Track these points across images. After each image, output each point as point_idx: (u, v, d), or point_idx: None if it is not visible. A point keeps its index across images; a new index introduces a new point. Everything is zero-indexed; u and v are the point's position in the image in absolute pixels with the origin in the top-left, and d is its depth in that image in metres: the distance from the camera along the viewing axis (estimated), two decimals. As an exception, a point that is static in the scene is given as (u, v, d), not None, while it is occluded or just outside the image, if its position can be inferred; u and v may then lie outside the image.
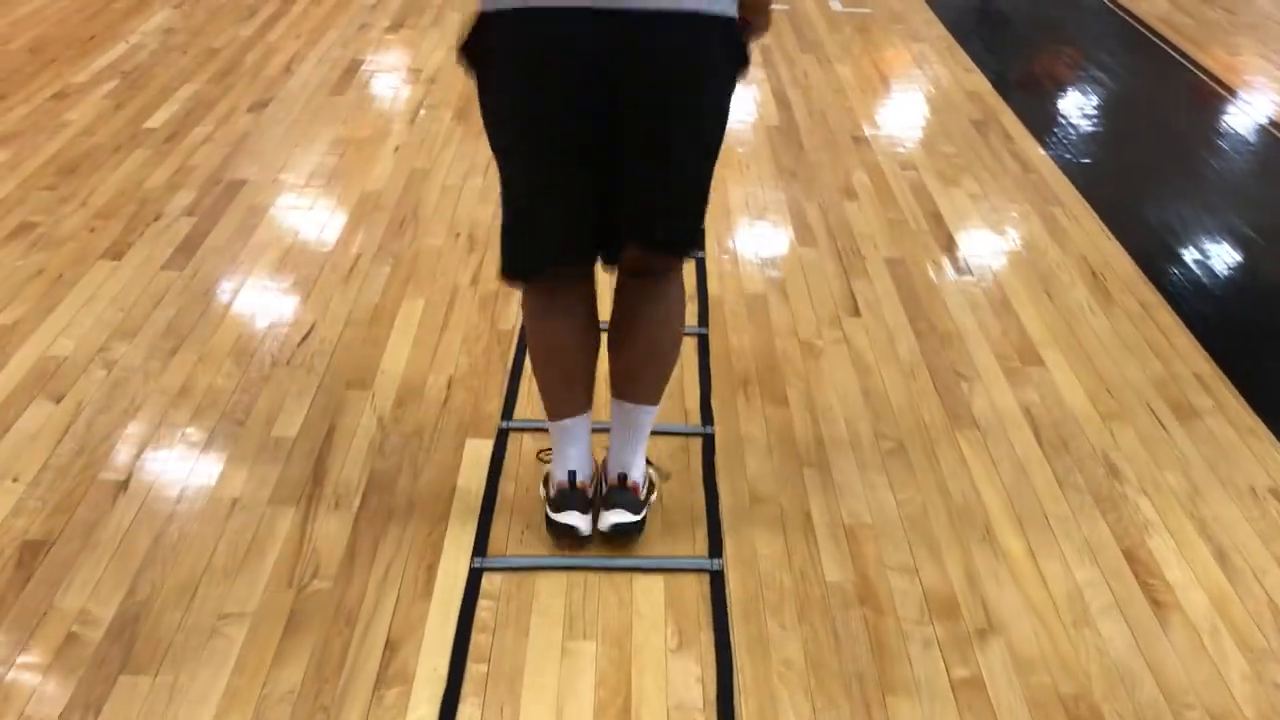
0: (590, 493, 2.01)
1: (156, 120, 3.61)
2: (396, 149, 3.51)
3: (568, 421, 1.99)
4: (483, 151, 3.43)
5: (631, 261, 1.88)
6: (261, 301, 2.67)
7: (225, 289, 2.72)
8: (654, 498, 2.12)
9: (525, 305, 1.95)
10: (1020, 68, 4.65)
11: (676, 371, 2.45)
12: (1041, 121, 3.99)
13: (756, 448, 2.28)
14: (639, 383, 1.98)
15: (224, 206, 3.10)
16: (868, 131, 3.83)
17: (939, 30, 4.94)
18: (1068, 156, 3.71)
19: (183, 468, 2.15)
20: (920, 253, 3.06)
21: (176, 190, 3.18)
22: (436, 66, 4.20)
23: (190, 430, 2.25)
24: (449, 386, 2.41)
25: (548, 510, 2.00)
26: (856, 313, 2.76)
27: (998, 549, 2.05)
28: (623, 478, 2.01)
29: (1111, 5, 5.43)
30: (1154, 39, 4.95)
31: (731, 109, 1.74)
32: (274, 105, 3.79)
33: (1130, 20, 5.20)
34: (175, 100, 3.77)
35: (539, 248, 1.83)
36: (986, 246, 3.10)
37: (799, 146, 3.69)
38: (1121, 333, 2.72)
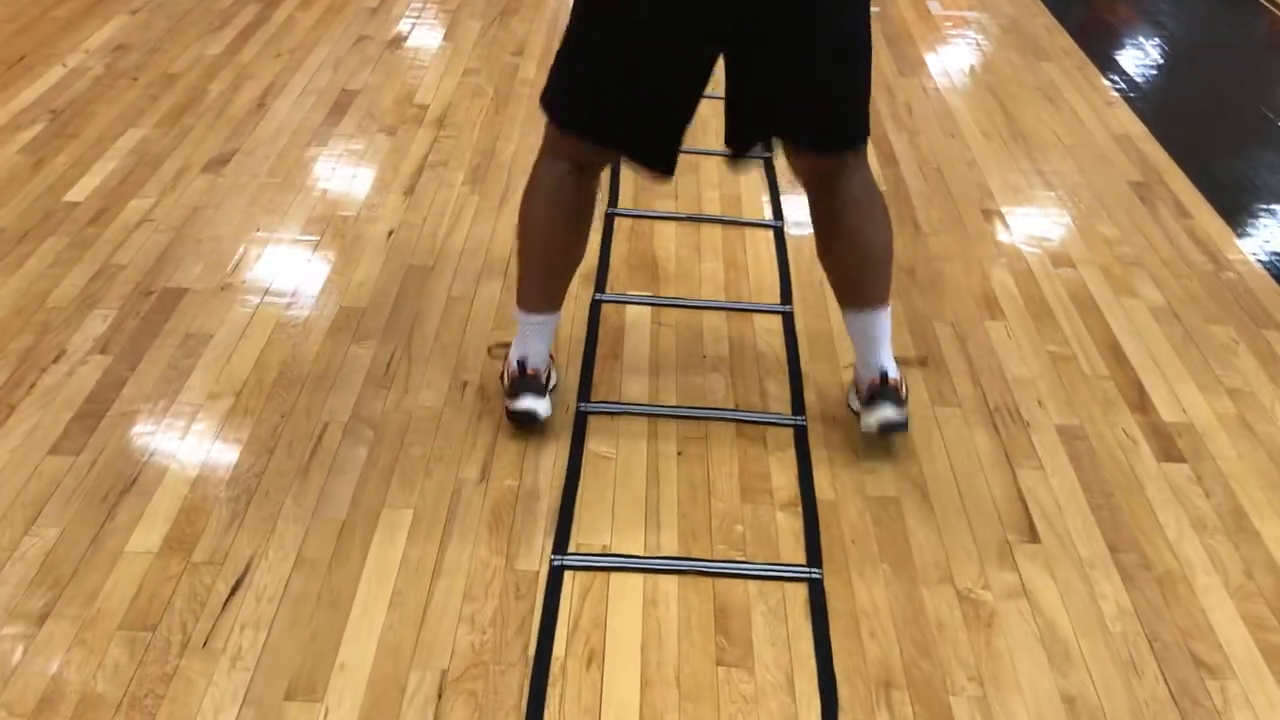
0: (543, 379, 2.04)
1: (83, 189, 2.78)
2: (390, 234, 2.67)
3: (535, 318, 2.03)
4: (503, 236, 2.60)
5: (808, 173, 1.92)
6: (177, 528, 1.86)
7: (131, 500, 1.90)
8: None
9: (534, 182, 1.95)
10: (1180, 101, 3.73)
11: (781, 677, 1.63)
12: (1222, 186, 3.10)
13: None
14: (863, 289, 1.99)
15: (150, 336, 2.28)
16: (1000, 202, 2.95)
17: (1065, 42, 4.02)
18: (1270, 246, 2.83)
19: None
20: (1104, 416, 2.21)
21: (92, 307, 2.36)
22: (448, 99, 3.34)
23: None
24: (440, 695, 1.60)
25: (505, 402, 2.02)
26: (1033, 535, 1.93)
27: None
28: (883, 376, 2.00)
29: None
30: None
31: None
32: (237, 161, 2.95)
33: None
34: (112, 154, 2.94)
35: (611, 114, 1.80)
36: (1194, 406, 2.25)
37: (914, 227, 2.83)
38: None
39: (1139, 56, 4.06)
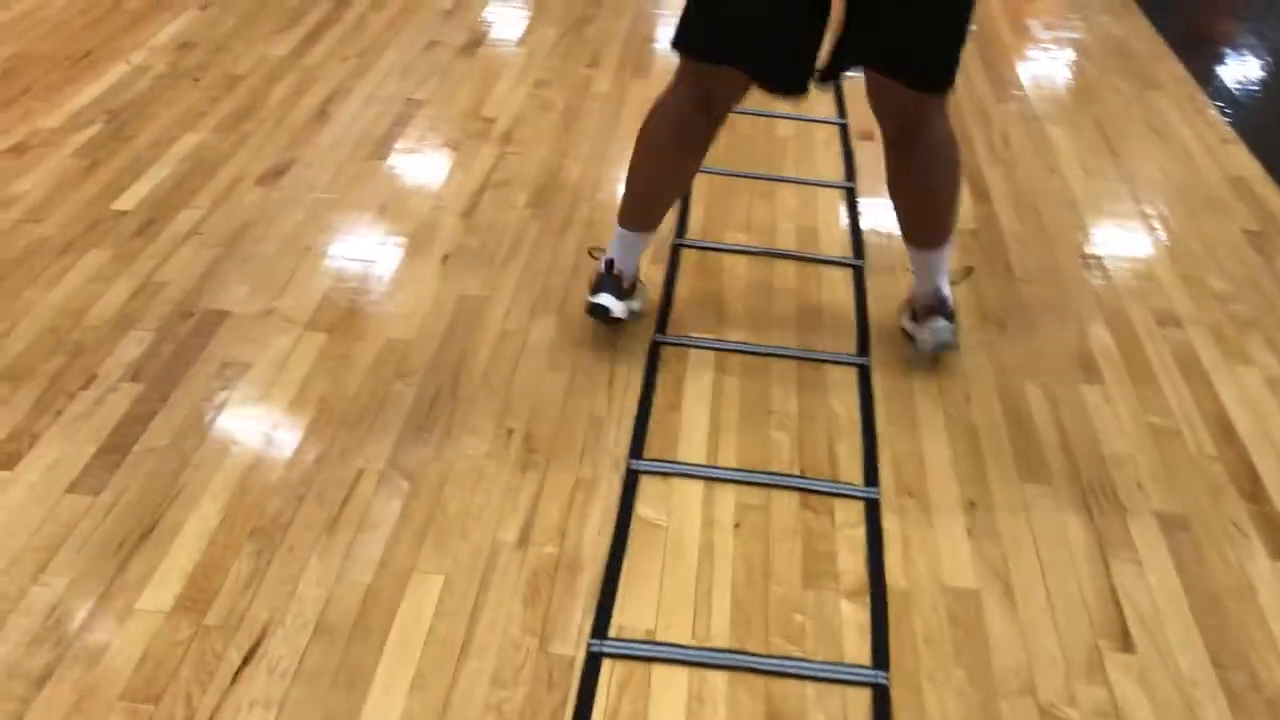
0: (625, 285, 2.18)
1: (132, 197, 2.68)
2: (445, 259, 2.53)
3: (633, 235, 2.17)
4: (563, 265, 2.46)
5: (893, 111, 2.00)
6: (192, 585, 1.73)
7: (148, 549, 1.78)
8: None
9: (660, 105, 2.06)
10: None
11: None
12: (1348, 238, 2.84)
13: None
14: (929, 230, 2.14)
15: (186, 363, 2.16)
16: (1102, 249, 2.73)
17: (1175, 68, 3.76)
18: (1402, 309, 2.57)
19: None
20: (1211, 504, 1.99)
21: (129, 328, 2.25)
22: (516, 112, 3.20)
23: None
24: (459, 802, 1.45)
25: (585, 295, 2.18)
26: (1127, 643, 1.72)
27: None
28: (937, 292, 2.16)
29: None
30: None
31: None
32: (294, 173, 2.83)
33: None
34: (167, 160, 2.84)
35: (733, 32, 1.87)
36: (1315, 496, 2.02)
37: (1006, 271, 2.62)
38: None
39: (1256, 87, 3.78)
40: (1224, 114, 3.44)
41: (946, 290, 2.19)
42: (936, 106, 1.98)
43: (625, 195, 2.17)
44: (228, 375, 2.14)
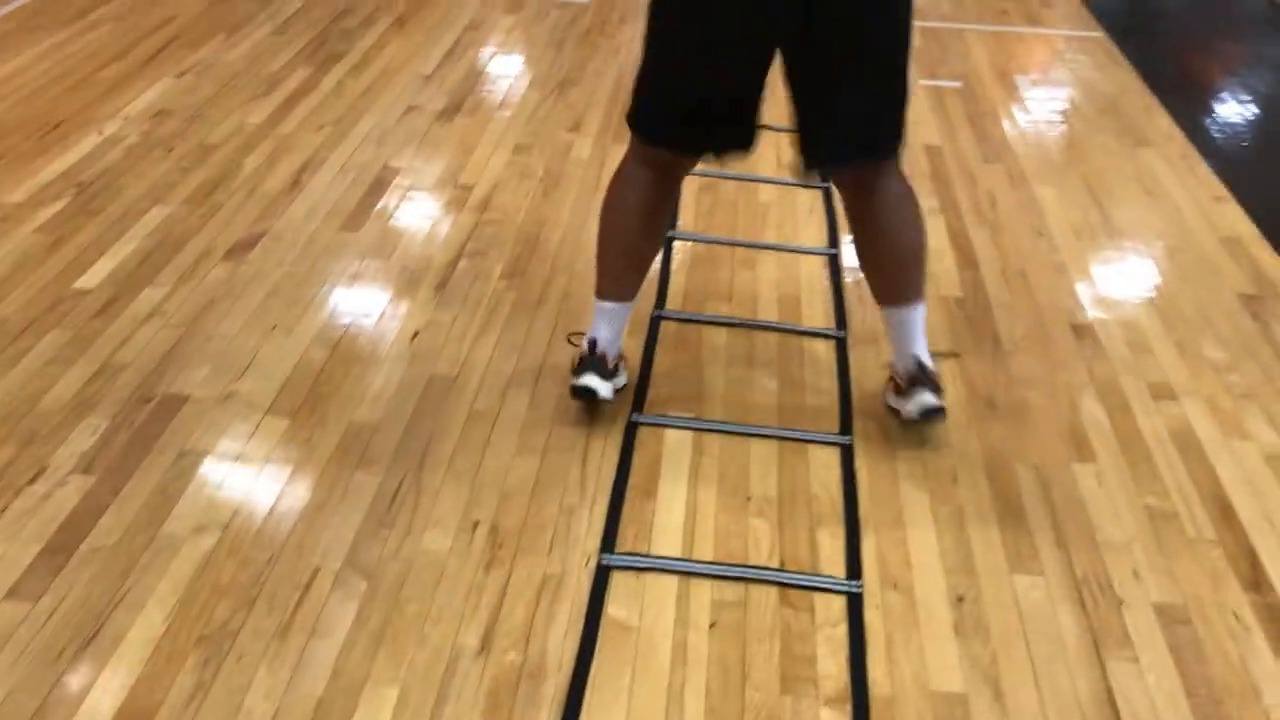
0: (610, 365, 2.14)
1: (96, 274, 2.61)
2: (415, 335, 2.46)
3: (610, 305, 2.14)
4: (539, 338, 2.38)
5: (848, 178, 2.03)
6: (132, 702, 1.63)
7: (88, 660, 1.69)
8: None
9: (619, 175, 2.09)
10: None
11: None
12: (1347, 302, 2.76)
13: None
14: (899, 287, 2.10)
15: (141, 452, 2.08)
16: (1093, 315, 2.65)
17: (1164, 124, 3.70)
18: (1404, 377, 2.49)
19: None
20: (1211, 594, 1.89)
21: (84, 415, 2.17)
22: (494, 180, 3.13)
23: None
24: None
25: (570, 378, 2.13)
26: (1124, 751, 1.62)
27: None
28: (920, 365, 2.11)
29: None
30: None
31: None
32: (263, 246, 2.76)
33: None
34: (133, 235, 2.77)
35: (684, 123, 1.94)
36: (1320, 585, 1.92)
37: (994, 341, 2.53)
38: None
39: (1247, 142, 3.72)
40: (1215, 171, 3.38)
41: (928, 359, 2.14)
42: (889, 165, 2.01)
43: (599, 267, 2.16)
44: (183, 465, 2.06)
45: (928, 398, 2.09)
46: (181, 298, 2.54)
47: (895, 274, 2.11)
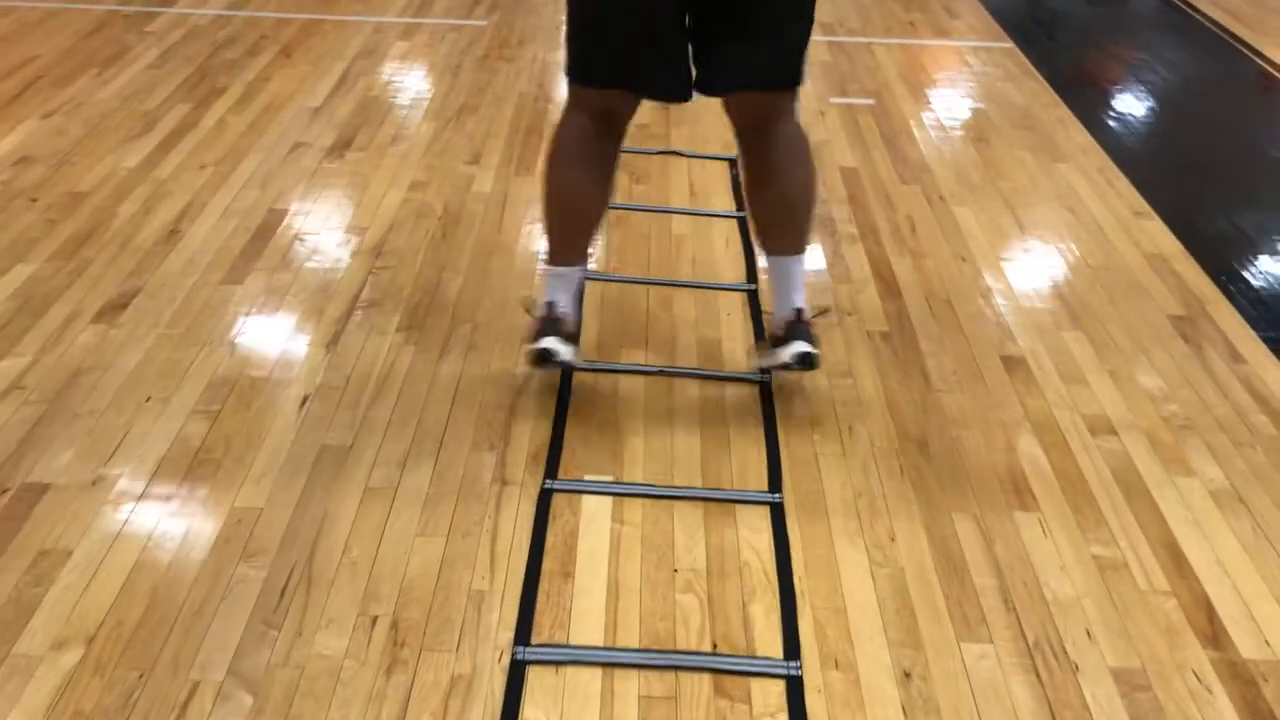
0: (569, 326, 2.14)
1: (-54, 346, 2.36)
2: (305, 401, 2.25)
3: (563, 269, 2.15)
4: (440, 397, 2.20)
5: (742, 112, 2.08)
6: None
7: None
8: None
9: (560, 132, 2.08)
10: (1217, 213, 3.33)
11: None
12: (1277, 319, 2.69)
13: None
14: (783, 236, 2.15)
15: (-7, 555, 1.85)
16: (1023, 345, 2.54)
17: (1080, 137, 3.64)
18: (1341, 398, 2.42)
19: None
20: (1169, 652, 1.78)
21: (-73, 513, 1.93)
22: (389, 220, 2.94)
23: None
24: None
25: (527, 345, 2.14)
26: (1094, 847, 1.49)
27: None
28: (798, 312, 2.14)
29: (1299, 92, 4.11)
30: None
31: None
32: (136, 306, 2.53)
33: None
34: (-9, 299, 2.52)
35: (613, 59, 1.98)
36: (1278, 633, 1.82)
37: (923, 379, 2.41)
38: None
39: (1160, 153, 3.67)
40: (1134, 183, 3.31)
41: (806, 308, 2.16)
42: (787, 102, 2.05)
43: (547, 231, 2.15)
44: (42, 568, 1.83)
45: (802, 345, 2.10)
46: (44, 369, 2.31)
47: (787, 217, 2.13)
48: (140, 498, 1.99)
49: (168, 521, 1.94)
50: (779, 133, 2.06)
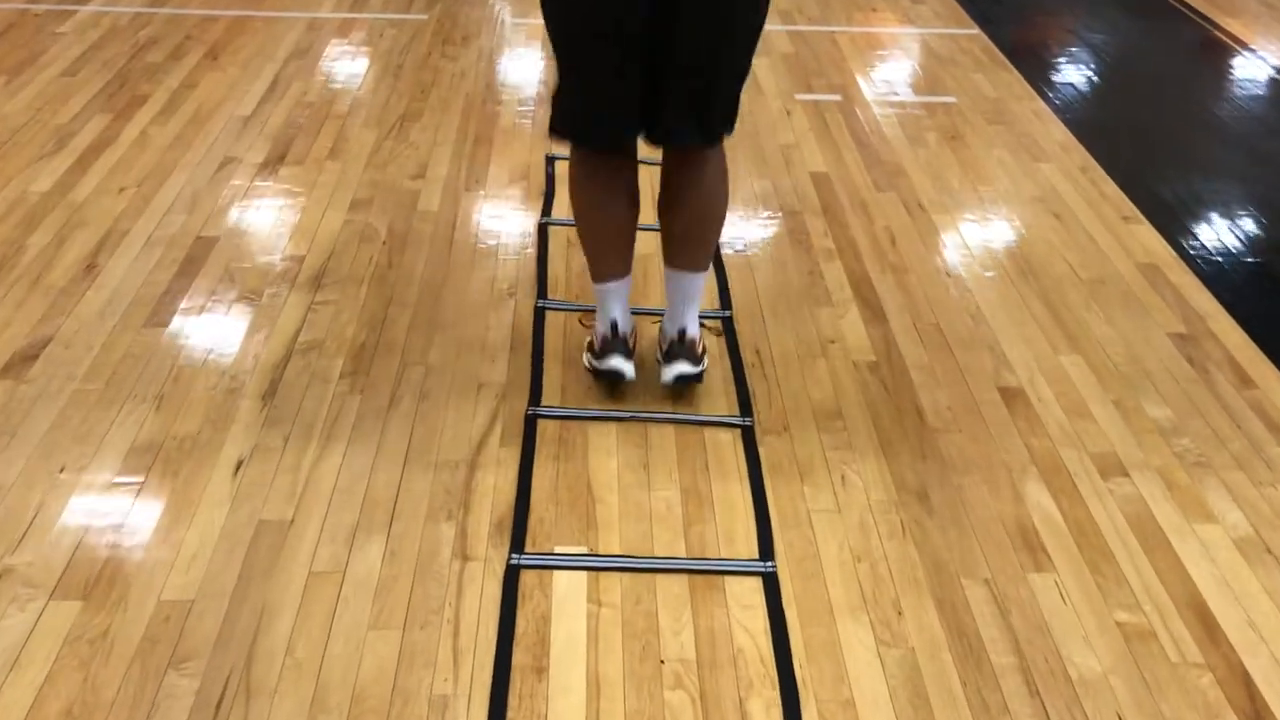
0: (631, 343, 2.20)
1: None
2: (239, 466, 2.02)
3: (610, 284, 2.16)
4: (392, 452, 1.98)
5: (675, 154, 2.08)
6: None
7: None
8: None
9: (572, 171, 2.11)
10: (1214, 215, 3.17)
11: None
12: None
13: None
14: (688, 251, 2.16)
15: (-122, 674, 1.61)
16: (1021, 375, 2.36)
17: (1059, 133, 3.47)
18: (1360, 426, 2.27)
19: None
20: (1211, 741, 1.61)
21: None
22: (329, 246, 2.70)
23: None
24: None
25: (592, 361, 2.19)
26: None
27: None
28: (682, 333, 2.17)
29: None
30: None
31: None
32: (48, 357, 2.28)
33: (1316, 107, 3.74)
34: (-119, 352, 2.25)
35: (589, 118, 1.99)
36: (1327, 715, 1.66)
37: (917, 417, 2.23)
38: None
39: (1142, 148, 3.51)
40: (1124, 187, 3.15)
41: (694, 328, 2.19)
42: (719, 145, 2.06)
43: (587, 256, 2.17)
44: (-64, 689, 1.60)
45: (683, 366, 2.14)
46: (-59, 438, 2.05)
47: (699, 238, 2.14)
48: (54, 592, 1.75)
49: (85, 619, 1.71)
50: (709, 169, 2.08)
